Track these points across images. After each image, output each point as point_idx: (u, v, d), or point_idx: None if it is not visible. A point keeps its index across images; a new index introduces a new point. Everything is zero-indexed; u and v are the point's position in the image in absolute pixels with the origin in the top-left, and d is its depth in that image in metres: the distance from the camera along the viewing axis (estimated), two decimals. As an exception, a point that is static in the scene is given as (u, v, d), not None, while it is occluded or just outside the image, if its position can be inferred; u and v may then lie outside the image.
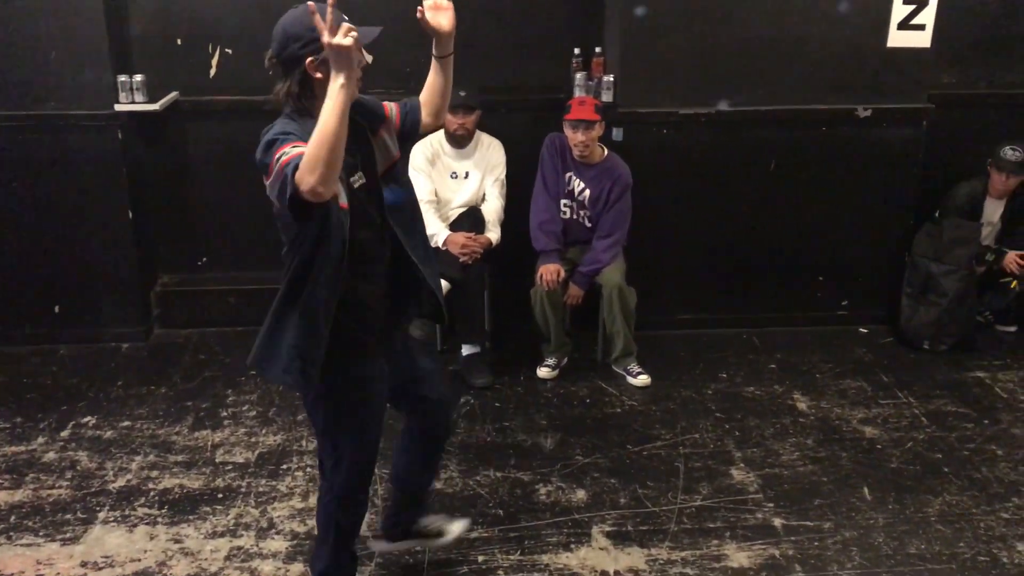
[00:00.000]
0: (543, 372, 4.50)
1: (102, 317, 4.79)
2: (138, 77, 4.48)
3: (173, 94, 4.69)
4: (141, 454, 3.81)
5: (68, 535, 3.29)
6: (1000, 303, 4.97)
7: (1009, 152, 4.67)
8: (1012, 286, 4.82)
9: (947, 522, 3.42)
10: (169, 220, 4.96)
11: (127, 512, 3.42)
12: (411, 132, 2.63)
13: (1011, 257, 4.75)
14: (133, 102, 4.48)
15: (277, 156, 2.16)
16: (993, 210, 4.86)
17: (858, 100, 4.69)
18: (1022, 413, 4.19)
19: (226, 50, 4.72)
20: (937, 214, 4.88)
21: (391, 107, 2.60)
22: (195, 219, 4.95)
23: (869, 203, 4.89)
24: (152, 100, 4.52)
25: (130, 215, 4.67)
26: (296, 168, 2.06)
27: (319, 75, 2.25)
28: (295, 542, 3.25)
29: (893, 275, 4.98)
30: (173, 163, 4.87)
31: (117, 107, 4.48)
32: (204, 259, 5.02)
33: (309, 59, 2.24)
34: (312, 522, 3.27)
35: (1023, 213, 4.84)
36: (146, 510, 3.44)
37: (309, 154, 2.03)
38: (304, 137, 2.14)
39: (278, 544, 3.25)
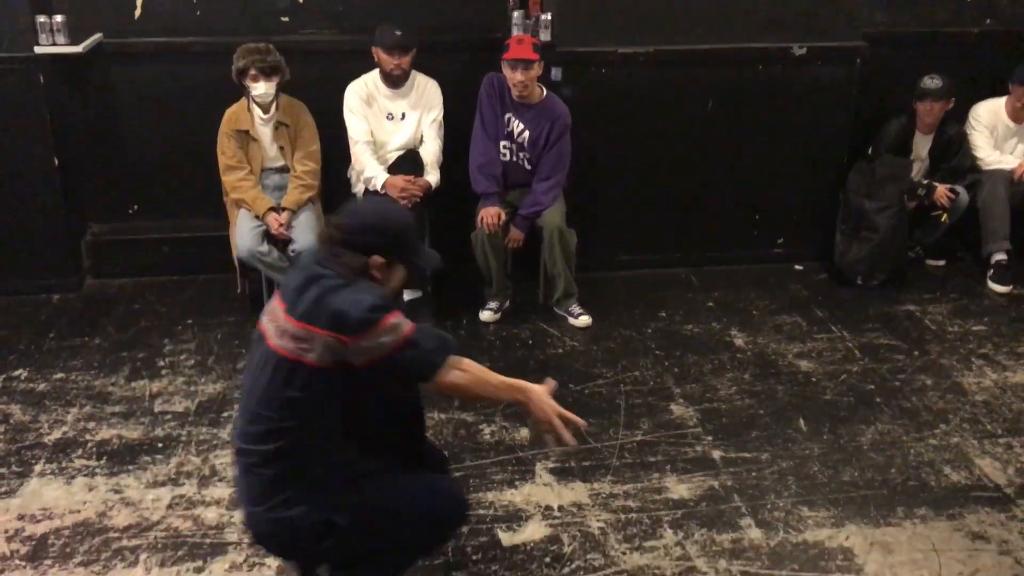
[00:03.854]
0: (485, 315, 4.50)
1: (31, 268, 4.65)
2: (58, 18, 4.30)
3: (96, 36, 4.51)
4: (76, 406, 3.74)
5: (3, 489, 3.22)
6: (930, 237, 5.10)
7: (927, 81, 4.76)
8: (942, 220, 4.94)
9: (879, 450, 3.53)
10: (97, 167, 4.81)
11: (64, 464, 3.36)
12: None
13: (941, 191, 4.86)
14: (54, 44, 4.31)
15: (394, 322, 2.27)
16: (922, 146, 4.96)
17: (793, 39, 4.71)
18: (950, 344, 4.32)
19: (151, -11, 4.56)
20: (870, 151, 4.96)
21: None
22: (125, 166, 4.81)
23: (804, 141, 4.95)
24: (74, 42, 4.34)
25: (56, 162, 4.52)
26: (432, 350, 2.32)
27: (377, 273, 2.38)
28: (238, 488, 3.23)
29: (827, 213, 5.06)
30: (99, 108, 4.71)
31: (37, 50, 4.30)
32: (135, 207, 4.89)
33: (375, 257, 2.36)
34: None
35: (949, 148, 4.95)
36: (84, 461, 3.38)
37: (478, 379, 2.39)
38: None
39: (221, 491, 3.23)
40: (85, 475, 3.31)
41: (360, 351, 2.26)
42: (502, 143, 4.40)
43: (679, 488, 3.28)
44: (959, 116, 4.99)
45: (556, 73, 4.57)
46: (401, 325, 2.28)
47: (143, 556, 2.92)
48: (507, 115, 4.35)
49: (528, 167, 4.43)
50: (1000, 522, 3.13)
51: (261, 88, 4.20)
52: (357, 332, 2.25)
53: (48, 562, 2.89)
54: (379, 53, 4.28)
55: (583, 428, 2.51)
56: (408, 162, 4.37)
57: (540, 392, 2.43)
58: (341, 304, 2.27)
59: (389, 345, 2.26)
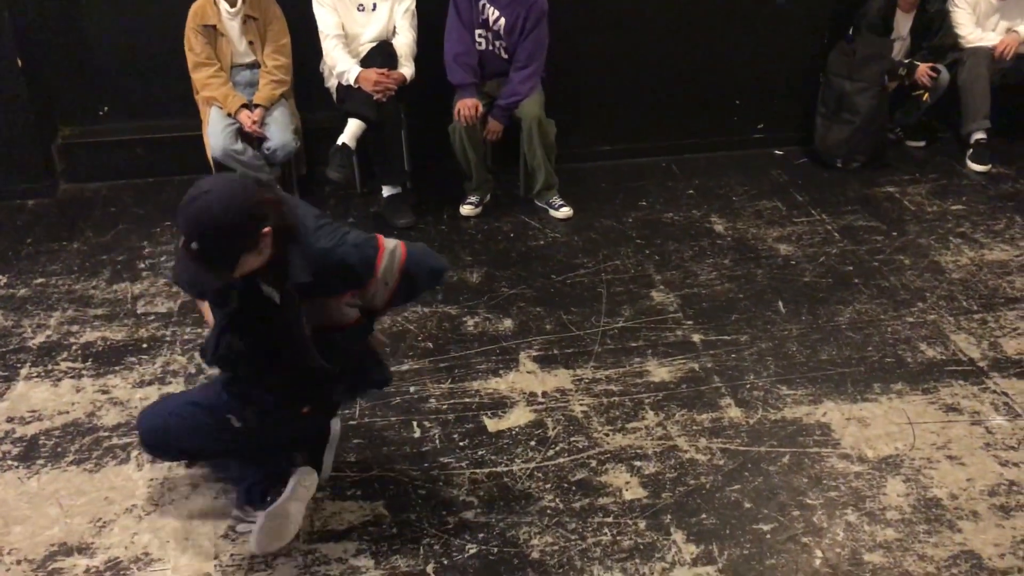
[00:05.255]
0: (466, 210, 4.49)
1: (3, 175, 4.56)
2: (10, -90, 4.13)
3: (52, -72, 4.35)
4: (59, 310, 3.73)
5: (-9, 393, 3.26)
6: (910, 118, 5.06)
7: None
8: (924, 99, 4.89)
9: (857, 329, 3.58)
10: (64, 68, 4.67)
11: (50, 367, 3.38)
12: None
13: (923, 69, 4.80)
14: (7, -63, 4.15)
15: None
16: (903, 24, 4.88)
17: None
18: (929, 224, 4.35)
19: None
20: (851, 31, 4.88)
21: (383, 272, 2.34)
22: (92, 66, 4.67)
23: (784, 24, 4.86)
24: (28, -66, 4.19)
25: (19, 63, 4.39)
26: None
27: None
28: (225, 385, 3.26)
29: (808, 96, 5.02)
30: (62, 4, 4.55)
31: (-10, -56, 4.15)
32: (105, 108, 4.79)
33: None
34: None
35: (931, 26, 4.88)
36: (70, 364, 3.40)
37: None
38: None
39: (208, 388, 3.26)
40: (72, 377, 3.33)
41: None
42: (477, 31, 4.30)
43: (660, 371, 3.33)
44: (941, -8, 4.91)
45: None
46: None
47: (134, 453, 2.95)
48: (481, 2, 4.24)
49: (505, 56, 4.34)
50: (973, 394, 3.21)
51: (226, -20, 4.08)
52: None
53: (40, 461, 2.93)
54: (347, -63, 4.14)
55: None
56: (381, 54, 4.27)
57: None
58: None
59: None
